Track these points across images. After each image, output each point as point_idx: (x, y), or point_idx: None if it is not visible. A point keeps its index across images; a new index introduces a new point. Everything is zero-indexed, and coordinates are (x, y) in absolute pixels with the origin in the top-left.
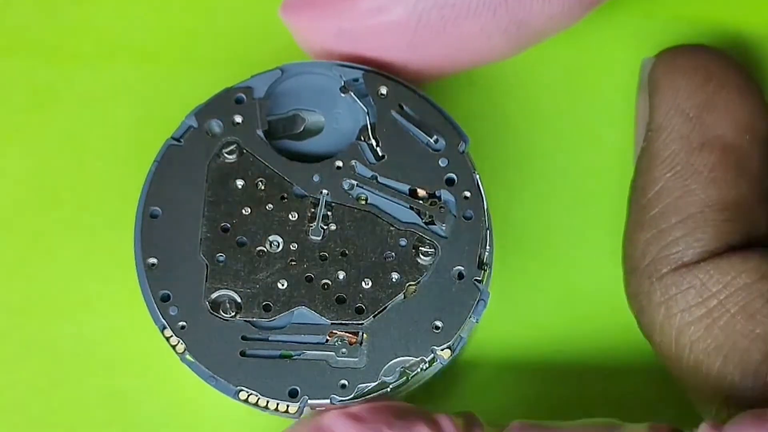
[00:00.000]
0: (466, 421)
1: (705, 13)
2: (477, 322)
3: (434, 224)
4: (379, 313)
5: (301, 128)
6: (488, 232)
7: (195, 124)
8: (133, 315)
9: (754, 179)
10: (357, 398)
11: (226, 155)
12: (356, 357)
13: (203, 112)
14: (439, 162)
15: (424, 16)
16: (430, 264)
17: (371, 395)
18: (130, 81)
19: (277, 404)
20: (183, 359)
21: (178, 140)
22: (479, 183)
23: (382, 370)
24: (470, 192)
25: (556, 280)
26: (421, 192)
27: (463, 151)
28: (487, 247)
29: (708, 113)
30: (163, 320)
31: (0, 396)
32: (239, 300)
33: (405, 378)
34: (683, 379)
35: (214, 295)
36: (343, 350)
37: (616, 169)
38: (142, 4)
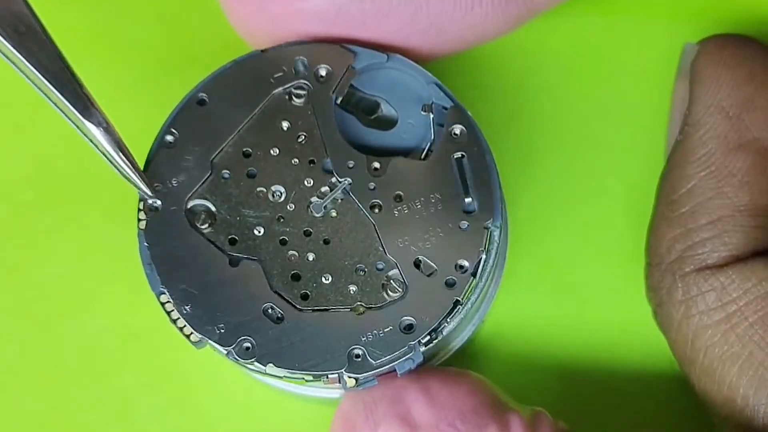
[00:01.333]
0: (535, 420)
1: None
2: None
3: (419, 268)
4: (318, 310)
5: (374, 116)
6: (463, 309)
7: (287, 52)
8: (133, 314)
9: None
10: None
11: (294, 95)
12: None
13: (301, 47)
14: (461, 225)
15: (344, 8)
16: (388, 301)
17: None
18: (130, 81)
19: (185, 326)
20: (138, 232)
21: (265, 54)
22: (482, 263)
23: (283, 360)
24: (469, 265)
25: (568, 269)
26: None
27: (488, 228)
28: (448, 322)
29: (748, 113)
30: (145, 189)
31: (0, 396)
32: (215, 219)
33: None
34: (695, 380)
35: (197, 201)
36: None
37: (644, 155)
38: (143, 3)
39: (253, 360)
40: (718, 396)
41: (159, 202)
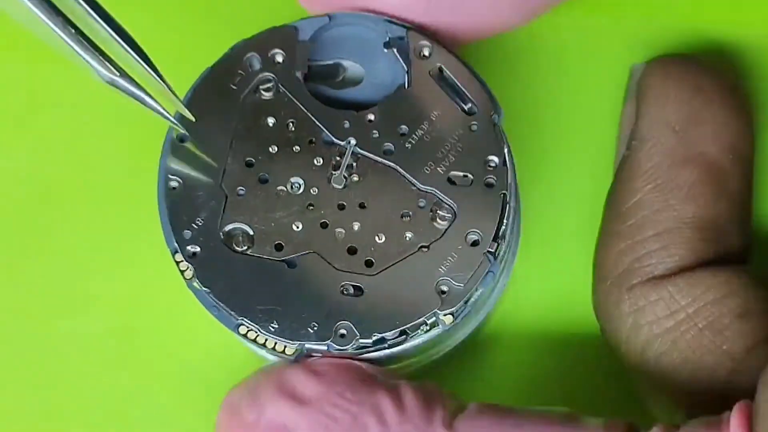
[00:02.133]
0: (426, 392)
1: (696, 21)
2: (484, 292)
3: (455, 184)
4: (387, 268)
5: (341, 77)
6: (510, 205)
7: (235, 56)
8: (133, 314)
9: (732, 199)
10: (355, 351)
11: (262, 92)
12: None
13: (246, 45)
14: (471, 127)
15: None
16: (445, 228)
17: (369, 350)
18: None
19: (275, 343)
20: (189, 285)
21: (215, 68)
22: (507, 154)
23: (382, 326)
24: (496, 159)
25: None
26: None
27: (496, 123)
28: (505, 220)
29: (694, 128)
30: (175, 243)
31: (0, 396)
32: (252, 234)
33: (404, 337)
34: (646, 389)
35: (228, 227)
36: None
37: (593, 173)
38: (142, 3)
39: (356, 339)
40: (669, 401)
41: (198, 248)
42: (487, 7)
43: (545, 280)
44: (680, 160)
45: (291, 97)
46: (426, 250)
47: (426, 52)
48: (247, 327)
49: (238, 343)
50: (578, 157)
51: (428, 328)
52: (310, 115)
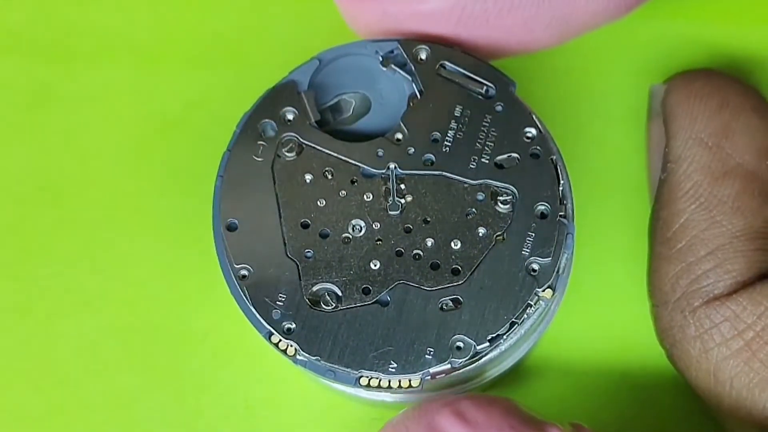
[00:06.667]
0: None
1: (707, 36)
2: (570, 256)
3: (503, 168)
4: (474, 270)
5: (350, 111)
6: (559, 166)
7: (247, 129)
8: (133, 314)
9: None
10: (472, 358)
11: (286, 153)
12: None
13: (253, 116)
14: (496, 108)
15: (468, 8)
16: (511, 211)
17: (488, 351)
18: (130, 81)
19: (399, 381)
20: (296, 362)
21: (234, 150)
22: (538, 120)
23: (492, 325)
24: (532, 129)
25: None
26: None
27: (515, 95)
28: (561, 180)
29: (727, 140)
30: (268, 327)
31: (0, 396)
32: (337, 290)
33: (515, 327)
34: (724, 414)
35: (311, 292)
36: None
37: (625, 193)
38: (142, 2)
39: (473, 347)
40: (750, 424)
41: (291, 323)
42: (520, 25)
43: (591, 307)
44: (719, 175)
45: (316, 147)
46: (502, 238)
47: (423, 55)
48: (368, 377)
49: (240, 343)
50: (609, 179)
51: (534, 309)
52: (341, 157)
